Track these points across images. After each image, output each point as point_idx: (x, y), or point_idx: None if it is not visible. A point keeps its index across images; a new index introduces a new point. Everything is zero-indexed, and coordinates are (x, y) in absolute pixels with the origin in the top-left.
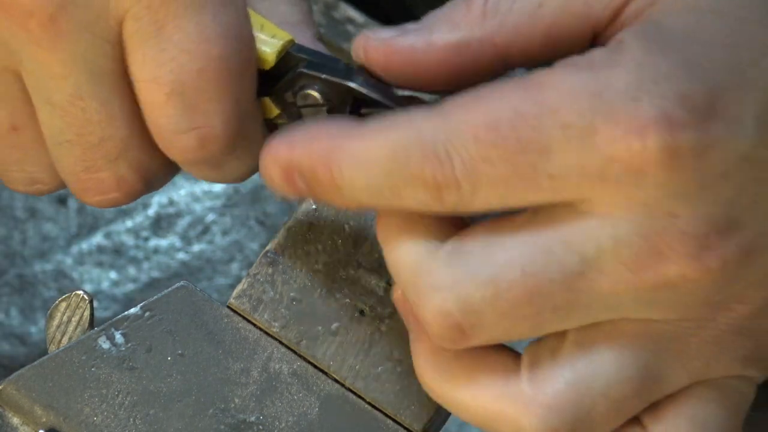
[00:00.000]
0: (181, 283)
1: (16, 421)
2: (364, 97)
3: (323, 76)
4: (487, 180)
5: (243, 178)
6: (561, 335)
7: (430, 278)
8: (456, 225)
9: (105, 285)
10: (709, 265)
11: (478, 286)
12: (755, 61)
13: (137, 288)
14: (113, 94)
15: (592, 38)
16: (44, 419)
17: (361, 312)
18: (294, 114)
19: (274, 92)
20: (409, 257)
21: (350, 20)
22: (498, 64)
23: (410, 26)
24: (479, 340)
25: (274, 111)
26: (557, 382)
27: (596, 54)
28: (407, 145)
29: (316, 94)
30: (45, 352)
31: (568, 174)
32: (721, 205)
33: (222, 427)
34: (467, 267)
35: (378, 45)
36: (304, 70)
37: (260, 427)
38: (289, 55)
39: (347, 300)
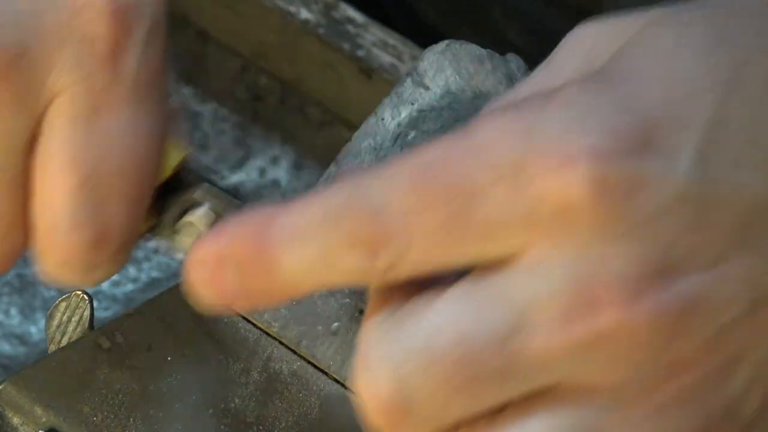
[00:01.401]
0: (182, 282)
1: (16, 421)
2: None
3: (218, 192)
4: (421, 231)
5: (95, 285)
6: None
7: (366, 356)
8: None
9: (105, 285)
10: (646, 314)
11: (408, 357)
12: (691, 96)
13: (137, 288)
14: (9, 170)
15: None
16: (44, 419)
17: (361, 312)
18: (166, 229)
19: (161, 203)
20: (361, 340)
21: (350, 20)
22: None
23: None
24: (416, 421)
25: (147, 223)
26: None
27: (530, 98)
28: (340, 204)
29: (204, 210)
30: (45, 352)
31: (500, 218)
32: (657, 248)
33: (222, 427)
34: (398, 338)
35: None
36: (198, 184)
37: (260, 427)
38: (185, 168)
39: (347, 300)
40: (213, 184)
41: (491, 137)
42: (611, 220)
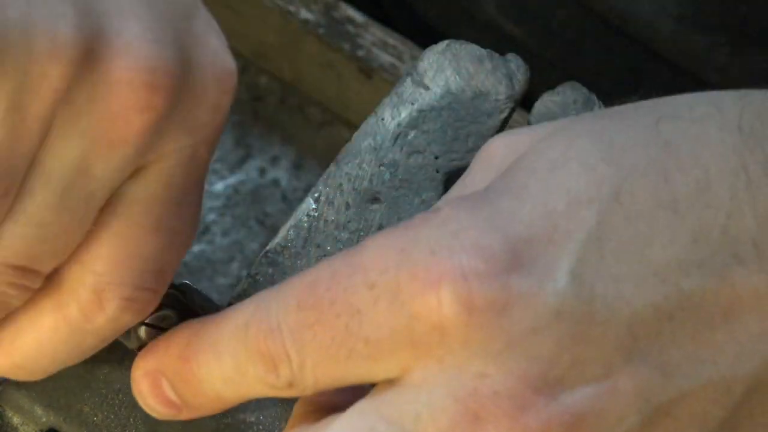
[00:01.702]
0: (181, 282)
1: (16, 421)
2: None
3: (192, 299)
4: (312, 348)
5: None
6: None
7: None
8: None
9: None
10: (533, 427)
11: None
12: (571, 210)
13: None
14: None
15: None
16: (44, 419)
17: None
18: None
19: None
20: None
21: (350, 20)
22: None
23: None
24: None
25: None
26: None
27: (415, 217)
28: (246, 319)
29: (175, 317)
30: None
31: (380, 338)
32: (537, 363)
33: (222, 427)
34: None
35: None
36: (176, 293)
37: (260, 427)
38: None
39: None
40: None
41: (372, 256)
42: (485, 339)
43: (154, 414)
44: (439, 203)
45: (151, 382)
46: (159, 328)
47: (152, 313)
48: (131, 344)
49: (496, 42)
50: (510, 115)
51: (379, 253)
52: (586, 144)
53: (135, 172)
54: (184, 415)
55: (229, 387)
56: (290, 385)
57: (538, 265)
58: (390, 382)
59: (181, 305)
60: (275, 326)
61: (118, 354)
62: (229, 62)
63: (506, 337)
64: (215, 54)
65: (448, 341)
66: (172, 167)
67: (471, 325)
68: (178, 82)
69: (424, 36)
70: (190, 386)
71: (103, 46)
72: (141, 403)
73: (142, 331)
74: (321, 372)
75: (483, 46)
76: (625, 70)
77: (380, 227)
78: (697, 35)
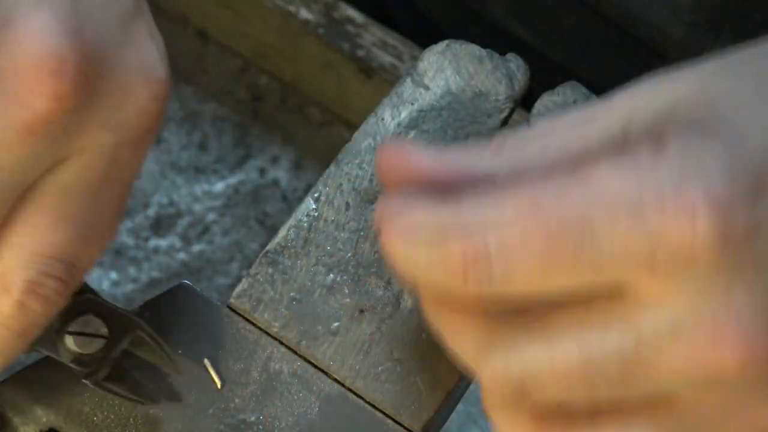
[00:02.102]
0: (181, 282)
1: (16, 421)
2: (143, 339)
3: (112, 305)
4: (523, 261)
5: None
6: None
7: (492, 349)
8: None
9: (105, 285)
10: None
11: (539, 364)
12: None
13: (137, 288)
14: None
15: None
16: (44, 419)
17: (361, 312)
18: (55, 342)
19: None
20: (466, 328)
21: (350, 20)
22: None
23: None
24: (536, 410)
25: None
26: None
27: (639, 145)
28: (449, 219)
29: (99, 320)
30: None
31: (614, 257)
32: None
33: (222, 427)
34: (527, 345)
35: (391, 155)
36: (91, 296)
37: (260, 427)
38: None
39: (347, 300)
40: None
41: (607, 177)
42: (734, 265)
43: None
44: (667, 130)
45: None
46: (84, 334)
47: (73, 319)
48: (64, 358)
49: (504, 44)
50: (510, 115)
51: (616, 176)
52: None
53: (53, 165)
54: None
55: (417, 271)
56: (486, 292)
57: None
58: (618, 291)
59: (102, 308)
60: (481, 233)
61: None
62: (159, 69)
63: (754, 261)
64: (146, 59)
65: (695, 266)
66: (89, 162)
67: (723, 251)
68: (93, 76)
69: (426, 37)
70: (389, 248)
71: (10, 35)
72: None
73: (69, 341)
74: (531, 278)
75: (487, 45)
76: (634, 74)
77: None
78: (710, 41)
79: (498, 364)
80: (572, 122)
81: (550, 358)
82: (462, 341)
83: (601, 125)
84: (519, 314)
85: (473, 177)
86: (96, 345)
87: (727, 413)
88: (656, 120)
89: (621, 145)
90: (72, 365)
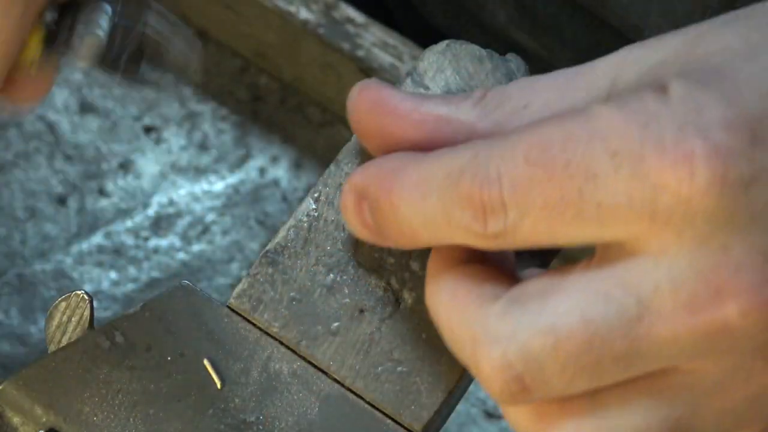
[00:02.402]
0: (181, 282)
1: (16, 421)
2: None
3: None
4: (534, 204)
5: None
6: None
7: (489, 330)
8: (508, 282)
9: (105, 285)
10: None
11: (537, 334)
12: None
13: (137, 288)
14: None
15: None
16: (44, 419)
17: (361, 311)
18: (62, 40)
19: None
20: (463, 313)
21: (350, 20)
22: None
23: (408, 90)
24: (540, 394)
25: (33, 51)
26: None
27: (642, 92)
28: (461, 165)
29: (102, 23)
30: (45, 352)
31: (616, 204)
32: None
33: (222, 427)
34: (525, 317)
35: (371, 92)
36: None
37: (260, 427)
38: None
39: (347, 300)
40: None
41: (612, 126)
42: (731, 214)
43: (353, 230)
44: (660, 82)
45: (355, 199)
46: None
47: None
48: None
49: (506, 52)
50: None
51: (621, 125)
52: (754, 36)
53: None
54: (377, 242)
55: (428, 228)
56: (498, 236)
57: None
58: (619, 250)
59: None
60: (495, 176)
61: (118, 354)
62: None
63: (751, 211)
64: None
65: (694, 215)
66: None
67: (720, 200)
68: None
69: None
70: (386, 217)
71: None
72: (343, 216)
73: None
74: (539, 228)
75: (488, 47)
76: None
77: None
78: None
79: (496, 351)
80: (554, 81)
81: (551, 330)
82: (459, 323)
83: (586, 84)
84: (516, 298)
85: (451, 123)
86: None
87: (729, 380)
88: (644, 77)
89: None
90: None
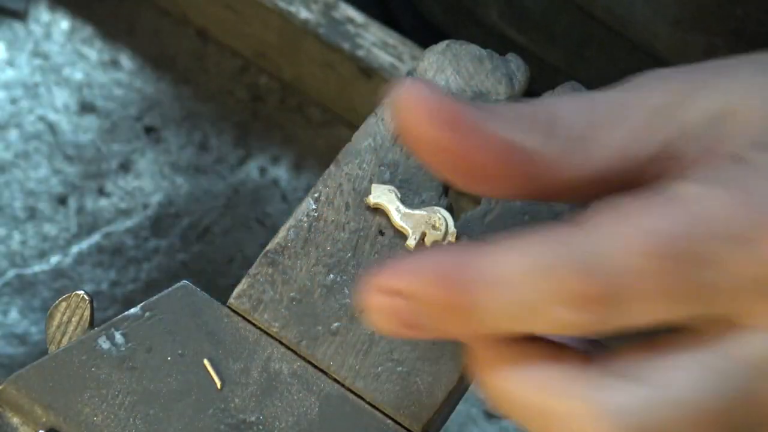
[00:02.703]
0: (181, 282)
1: (16, 421)
2: None
3: None
4: (643, 294)
5: None
6: None
7: (587, 403)
8: (578, 355)
9: (105, 285)
10: None
11: (652, 412)
12: None
13: (137, 288)
14: None
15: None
16: (44, 419)
17: (361, 312)
18: None
19: None
20: (541, 384)
21: (350, 20)
22: (527, 183)
23: (470, 102)
24: None
25: None
26: None
27: (723, 164)
28: (551, 259)
29: None
30: (45, 352)
31: (732, 286)
32: None
33: (222, 427)
34: (639, 389)
35: (446, 105)
36: None
37: (260, 427)
38: None
39: (347, 300)
40: None
41: (716, 209)
42: None
43: (382, 329)
44: (731, 151)
45: (390, 303)
46: None
47: None
48: None
49: (500, 48)
50: None
51: (723, 206)
52: None
53: None
54: (419, 337)
55: (513, 321)
56: (602, 327)
57: None
58: (725, 328)
59: None
60: (595, 271)
61: (118, 354)
62: None
63: None
64: None
65: None
66: None
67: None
68: None
69: (426, 37)
70: (457, 317)
71: None
72: (371, 317)
73: None
74: (645, 315)
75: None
76: (627, 75)
77: (380, 228)
78: (695, 37)
79: (597, 408)
80: (615, 112)
81: (675, 402)
82: (558, 402)
83: (654, 126)
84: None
85: (524, 156)
86: None
87: None
88: (712, 124)
89: (694, 156)
90: None
